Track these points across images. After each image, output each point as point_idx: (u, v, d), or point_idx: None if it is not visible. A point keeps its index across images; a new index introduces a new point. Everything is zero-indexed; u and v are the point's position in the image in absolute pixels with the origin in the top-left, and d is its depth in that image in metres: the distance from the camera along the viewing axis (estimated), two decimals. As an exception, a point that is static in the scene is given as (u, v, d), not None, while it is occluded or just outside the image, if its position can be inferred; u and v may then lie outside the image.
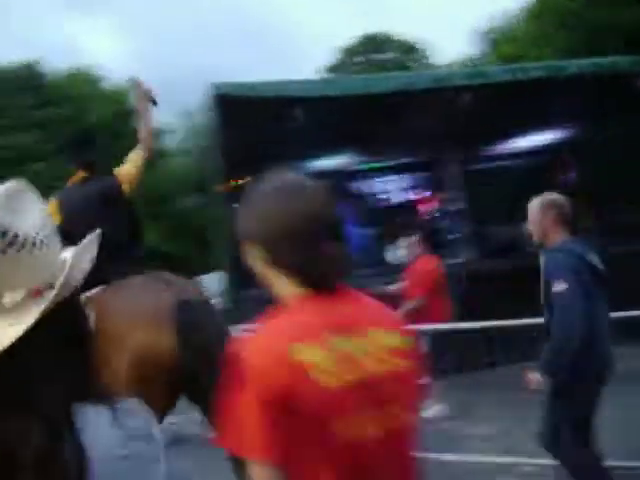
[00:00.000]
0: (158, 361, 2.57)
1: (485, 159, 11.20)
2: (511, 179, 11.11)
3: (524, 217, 3.49)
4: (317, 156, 9.74)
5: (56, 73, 33.22)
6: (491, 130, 9.29)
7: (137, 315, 2.63)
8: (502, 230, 9.53)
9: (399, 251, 7.86)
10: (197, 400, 2.78)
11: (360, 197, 10.05)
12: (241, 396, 1.16)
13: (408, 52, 32.03)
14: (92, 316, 2.54)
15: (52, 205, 3.25)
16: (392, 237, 8.84)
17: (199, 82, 7.19)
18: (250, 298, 6.39)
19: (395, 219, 9.82)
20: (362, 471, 1.18)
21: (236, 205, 8.80)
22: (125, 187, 3.38)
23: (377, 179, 10.60)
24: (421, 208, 10.88)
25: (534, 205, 3.39)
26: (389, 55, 31.90)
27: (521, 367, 3.58)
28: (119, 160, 3.62)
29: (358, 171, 10.15)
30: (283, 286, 1.29)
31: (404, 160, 10.61)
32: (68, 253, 1.02)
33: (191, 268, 17.22)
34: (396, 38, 32.27)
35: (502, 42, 22.72)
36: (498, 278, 7.38)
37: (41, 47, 49.29)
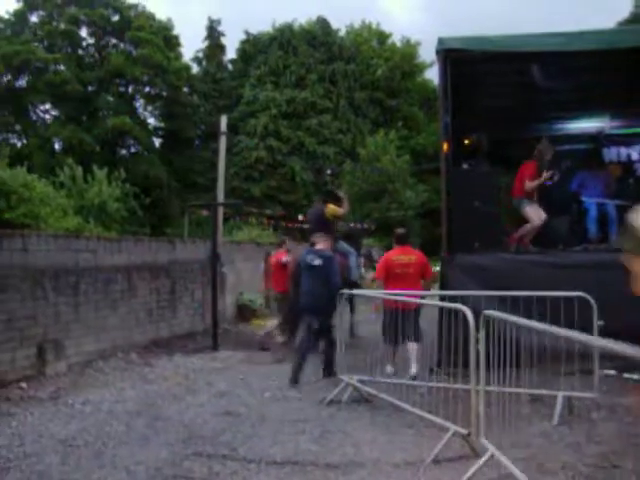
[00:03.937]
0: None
1: None
2: None
3: None
4: (566, 119, 8.89)
5: (348, 29, 35.03)
6: None
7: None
8: None
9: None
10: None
11: (616, 165, 8.80)
12: None
13: None
14: None
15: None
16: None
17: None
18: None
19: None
20: None
21: (465, 166, 8.46)
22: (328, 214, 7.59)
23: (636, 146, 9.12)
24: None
25: None
26: None
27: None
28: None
29: (615, 136, 8.93)
30: None
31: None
32: None
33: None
34: None
35: None
36: None
37: (336, 4, 51.66)
